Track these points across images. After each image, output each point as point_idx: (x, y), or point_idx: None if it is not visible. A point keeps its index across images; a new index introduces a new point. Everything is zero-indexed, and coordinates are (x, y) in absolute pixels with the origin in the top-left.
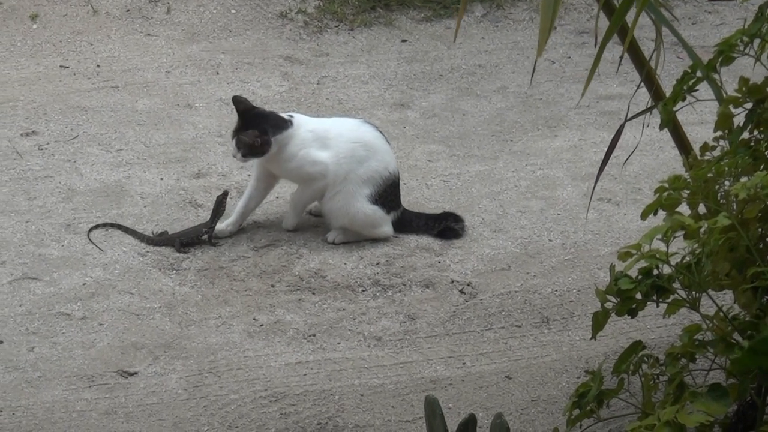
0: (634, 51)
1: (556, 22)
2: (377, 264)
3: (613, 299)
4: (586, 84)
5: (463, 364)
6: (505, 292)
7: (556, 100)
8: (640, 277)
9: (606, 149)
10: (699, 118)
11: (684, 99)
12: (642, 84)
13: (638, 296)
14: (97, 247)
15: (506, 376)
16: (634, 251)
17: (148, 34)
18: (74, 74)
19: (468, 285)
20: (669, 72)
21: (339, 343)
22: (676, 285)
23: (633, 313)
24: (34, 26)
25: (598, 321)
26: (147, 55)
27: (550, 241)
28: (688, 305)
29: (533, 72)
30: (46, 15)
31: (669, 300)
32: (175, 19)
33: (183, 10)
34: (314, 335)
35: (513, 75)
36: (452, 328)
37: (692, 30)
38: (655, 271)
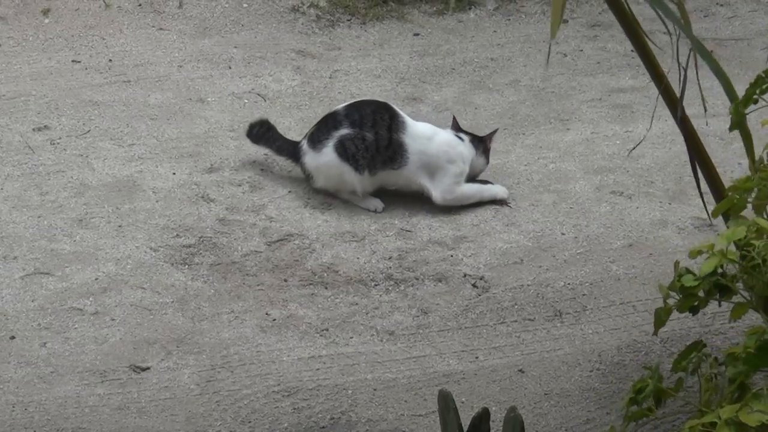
0: (641, 46)
1: (568, 15)
2: (390, 258)
3: (675, 295)
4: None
5: (476, 357)
6: (517, 286)
7: (569, 94)
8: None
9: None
10: (711, 111)
11: (756, 102)
12: (681, 78)
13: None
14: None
15: (519, 370)
16: (705, 250)
17: (160, 29)
18: (86, 69)
19: (480, 279)
20: (683, 64)
21: (352, 338)
22: (739, 285)
23: (695, 311)
24: (46, 21)
25: (660, 317)
26: (159, 49)
27: (563, 234)
28: (752, 307)
29: (547, 60)
30: (57, 9)
31: (731, 300)
32: (187, 14)
33: (195, 4)
34: (327, 330)
35: (525, 68)
36: (465, 322)
37: (704, 23)
38: (720, 270)
